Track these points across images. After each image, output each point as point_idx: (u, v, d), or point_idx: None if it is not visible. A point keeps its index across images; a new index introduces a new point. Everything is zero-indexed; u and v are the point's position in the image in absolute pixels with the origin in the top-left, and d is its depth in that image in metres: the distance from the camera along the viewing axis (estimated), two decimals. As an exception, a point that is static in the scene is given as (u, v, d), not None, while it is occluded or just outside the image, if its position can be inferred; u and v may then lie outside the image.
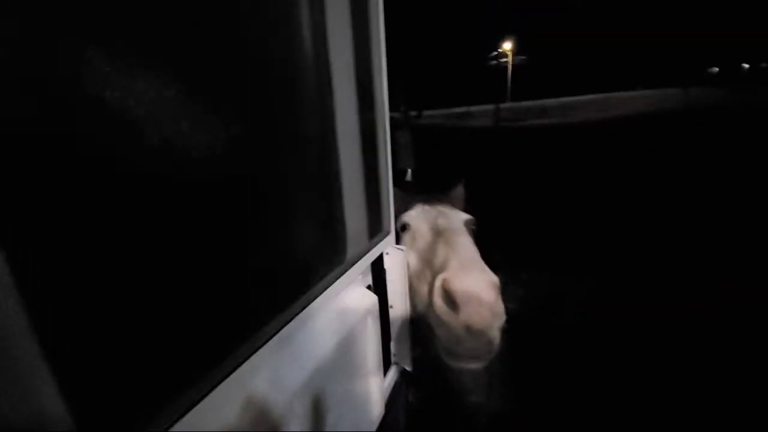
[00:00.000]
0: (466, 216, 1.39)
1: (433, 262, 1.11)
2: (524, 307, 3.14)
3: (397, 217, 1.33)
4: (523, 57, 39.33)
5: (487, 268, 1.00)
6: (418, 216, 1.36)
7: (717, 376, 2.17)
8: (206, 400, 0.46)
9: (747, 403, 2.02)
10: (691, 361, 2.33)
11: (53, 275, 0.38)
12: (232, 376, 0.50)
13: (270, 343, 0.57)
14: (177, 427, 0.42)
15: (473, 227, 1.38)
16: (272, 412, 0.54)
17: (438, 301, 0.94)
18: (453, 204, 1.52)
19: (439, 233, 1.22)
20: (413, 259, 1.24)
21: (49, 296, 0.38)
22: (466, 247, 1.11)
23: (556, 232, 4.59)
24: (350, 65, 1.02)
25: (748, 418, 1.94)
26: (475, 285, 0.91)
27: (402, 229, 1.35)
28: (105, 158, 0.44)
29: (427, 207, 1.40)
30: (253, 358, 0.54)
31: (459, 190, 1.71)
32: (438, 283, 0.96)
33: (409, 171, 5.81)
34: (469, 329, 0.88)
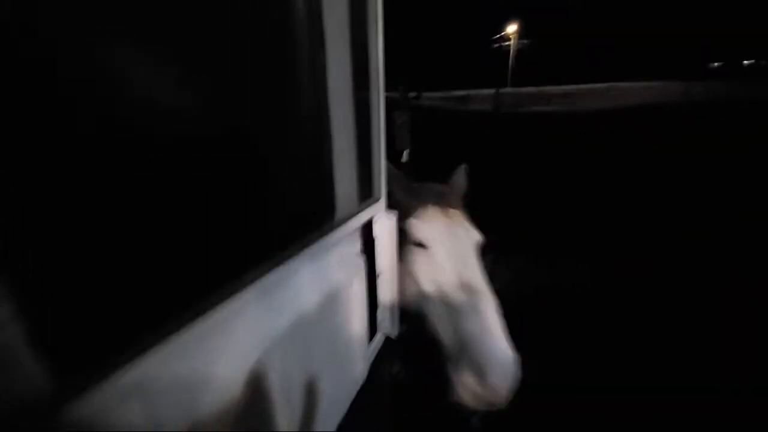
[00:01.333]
0: (477, 236, 1.29)
1: (455, 308, 1.08)
2: (515, 291, 3.17)
3: (403, 210, 1.24)
4: (526, 41, 38.57)
5: (507, 341, 1.00)
6: (434, 237, 1.22)
7: (711, 367, 2.20)
8: (176, 337, 0.45)
9: (738, 386, 2.08)
10: (684, 351, 2.36)
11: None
12: (204, 318, 0.48)
13: (248, 290, 0.56)
14: (143, 361, 0.41)
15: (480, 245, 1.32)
16: (248, 358, 0.53)
17: (465, 396, 0.98)
18: (454, 191, 1.45)
19: (459, 275, 1.14)
20: (429, 283, 1.17)
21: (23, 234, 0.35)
22: (489, 310, 1.06)
23: (550, 220, 4.62)
24: (345, 22, 0.97)
25: (739, 403, 1.98)
26: (504, 376, 0.92)
27: (415, 244, 1.24)
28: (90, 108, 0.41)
29: (438, 216, 1.26)
30: (229, 303, 0.52)
31: (460, 178, 1.58)
32: (469, 381, 0.96)
33: (406, 152, 5.74)
34: (490, 402, 0.94)
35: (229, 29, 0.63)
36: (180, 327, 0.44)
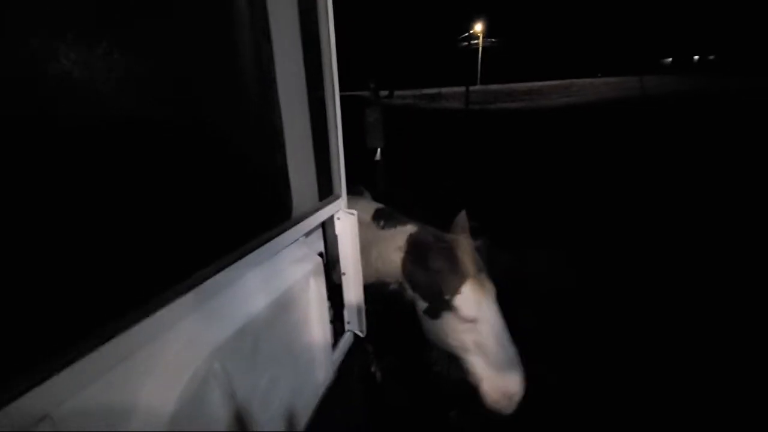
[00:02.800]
0: (494, 289, 1.43)
1: (493, 359, 1.33)
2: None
3: (446, 281, 1.36)
4: (493, 40, 39.48)
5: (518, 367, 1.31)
6: (480, 315, 1.35)
7: (695, 358, 2.25)
8: (103, 348, 0.40)
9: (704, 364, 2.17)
10: (663, 342, 2.41)
11: None
12: (135, 328, 0.45)
13: (185, 297, 0.52)
14: (54, 382, 0.37)
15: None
16: (185, 368, 0.49)
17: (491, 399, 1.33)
18: (460, 234, 1.53)
19: (497, 338, 1.34)
20: (473, 345, 1.36)
21: None
22: (512, 354, 1.33)
23: (519, 210, 4.74)
24: (292, 14, 0.94)
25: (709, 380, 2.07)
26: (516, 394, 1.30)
27: (465, 319, 1.36)
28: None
29: (480, 291, 1.37)
30: (163, 312, 0.48)
31: (465, 223, 1.60)
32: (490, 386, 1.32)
33: (379, 150, 5.71)
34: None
35: (164, 20, 0.59)
36: (99, 342, 0.40)
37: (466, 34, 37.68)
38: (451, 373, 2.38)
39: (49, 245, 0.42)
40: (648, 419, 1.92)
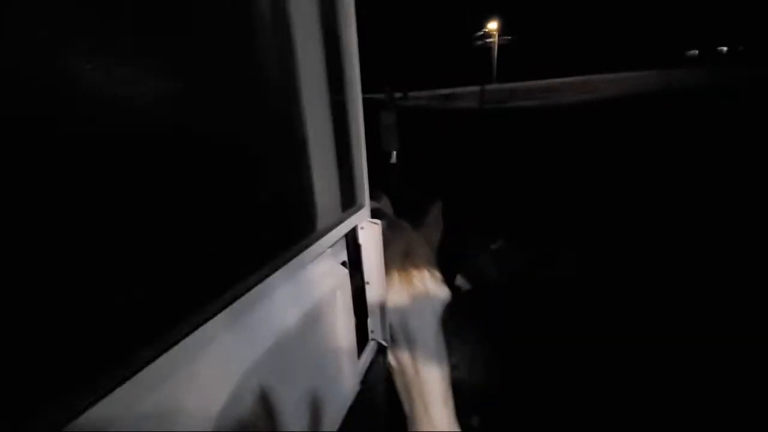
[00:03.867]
0: (441, 297, 1.23)
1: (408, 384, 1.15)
2: (502, 279, 3.17)
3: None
4: (509, 37, 38.89)
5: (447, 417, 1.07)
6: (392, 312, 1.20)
7: (700, 356, 2.21)
8: (141, 374, 0.41)
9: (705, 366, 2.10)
10: (659, 332, 2.39)
11: None
12: (173, 350, 0.45)
13: (221, 315, 0.53)
14: (105, 404, 0.37)
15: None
16: (222, 389, 0.50)
17: None
18: (431, 231, 1.39)
19: (411, 350, 1.16)
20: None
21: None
22: (434, 389, 1.11)
23: (537, 211, 4.65)
24: (314, 20, 0.94)
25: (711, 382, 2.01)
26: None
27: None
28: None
29: (400, 285, 1.21)
30: (200, 331, 0.49)
31: (435, 218, 1.46)
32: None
33: (394, 153, 5.70)
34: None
35: (183, 27, 0.59)
36: (137, 368, 0.41)
37: (481, 32, 37.29)
38: (472, 378, 2.34)
39: (78, 271, 0.42)
40: (648, 420, 1.87)
